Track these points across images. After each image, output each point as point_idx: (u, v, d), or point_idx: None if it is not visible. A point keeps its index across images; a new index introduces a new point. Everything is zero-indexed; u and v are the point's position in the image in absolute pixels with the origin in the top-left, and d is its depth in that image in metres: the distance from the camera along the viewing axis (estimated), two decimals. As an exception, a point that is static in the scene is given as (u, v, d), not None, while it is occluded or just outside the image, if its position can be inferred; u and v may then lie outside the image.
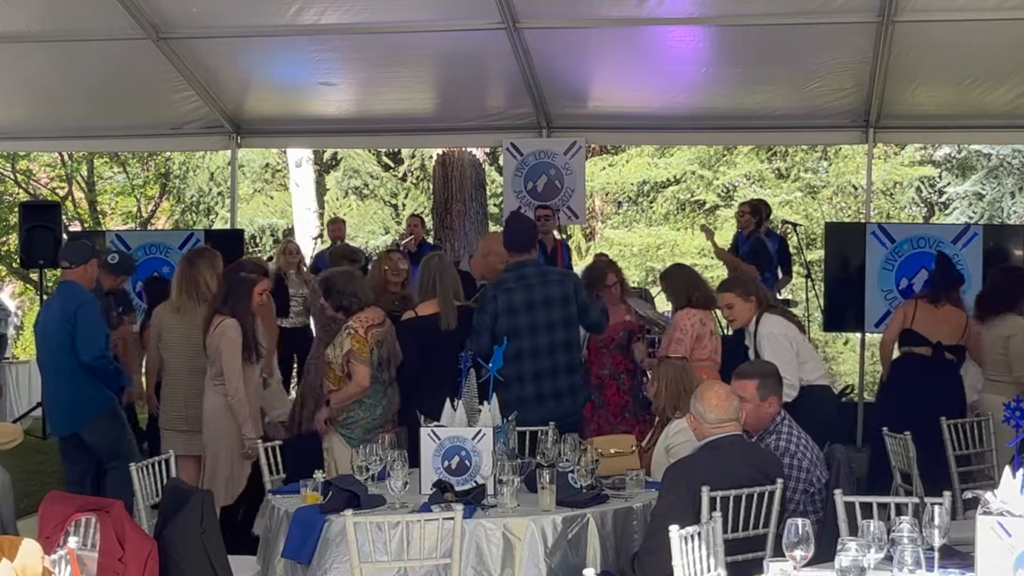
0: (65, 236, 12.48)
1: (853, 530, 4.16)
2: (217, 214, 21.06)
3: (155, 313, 7.14)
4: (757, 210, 10.76)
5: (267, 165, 21.76)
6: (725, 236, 13.90)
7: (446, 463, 5.06)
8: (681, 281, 7.61)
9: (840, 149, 18.66)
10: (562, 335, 6.44)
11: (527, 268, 6.51)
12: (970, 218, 18.42)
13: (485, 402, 5.26)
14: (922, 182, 20.04)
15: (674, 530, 3.77)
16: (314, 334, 8.32)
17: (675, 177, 20.22)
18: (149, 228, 21.13)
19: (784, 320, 6.66)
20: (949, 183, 19.93)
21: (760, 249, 10.30)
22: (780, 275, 10.80)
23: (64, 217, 15.38)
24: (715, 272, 17.55)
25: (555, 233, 10.61)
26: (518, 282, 6.41)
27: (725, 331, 9.14)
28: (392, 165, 21.86)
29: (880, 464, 6.68)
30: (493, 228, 16.19)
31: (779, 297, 11.17)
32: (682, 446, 5.53)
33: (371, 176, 21.35)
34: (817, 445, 5.22)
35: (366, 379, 6.32)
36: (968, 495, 5.55)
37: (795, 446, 5.06)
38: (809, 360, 6.67)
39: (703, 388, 4.93)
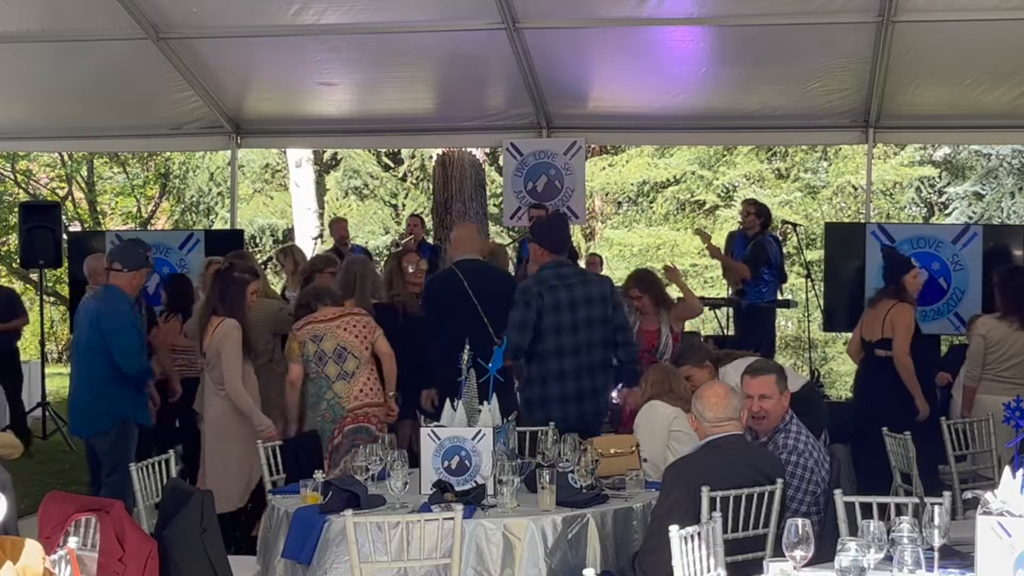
0: (65, 236, 12.49)
1: (853, 530, 4.16)
2: (217, 214, 21.07)
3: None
4: (763, 212, 10.74)
5: (267, 165, 21.77)
6: (720, 236, 13.88)
7: (446, 463, 5.06)
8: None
9: (840, 149, 18.66)
10: (600, 333, 6.58)
11: (565, 268, 6.68)
12: (970, 218, 18.42)
13: (485, 402, 5.26)
14: (922, 182, 20.04)
15: (674, 530, 3.77)
16: None
17: (675, 177, 20.22)
18: (149, 228, 21.13)
19: (742, 363, 6.67)
20: (949, 183, 19.93)
21: (759, 254, 10.30)
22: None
23: (64, 217, 15.39)
24: (714, 272, 17.57)
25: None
26: (560, 280, 6.54)
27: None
28: (392, 165, 21.87)
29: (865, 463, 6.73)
30: (493, 228, 16.22)
31: (775, 298, 11.17)
32: (647, 419, 5.79)
33: (371, 176, 21.36)
34: (822, 445, 5.23)
35: (292, 374, 6.58)
36: (968, 495, 5.55)
37: (803, 445, 5.06)
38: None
39: (703, 387, 4.94)
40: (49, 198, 19.81)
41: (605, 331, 6.59)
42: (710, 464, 4.60)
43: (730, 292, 11.00)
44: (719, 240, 11.71)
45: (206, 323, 6.58)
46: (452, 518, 4.36)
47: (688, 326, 9.38)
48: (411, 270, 8.18)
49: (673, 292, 8.69)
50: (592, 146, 17.01)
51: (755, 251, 10.32)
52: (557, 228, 6.93)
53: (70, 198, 21.36)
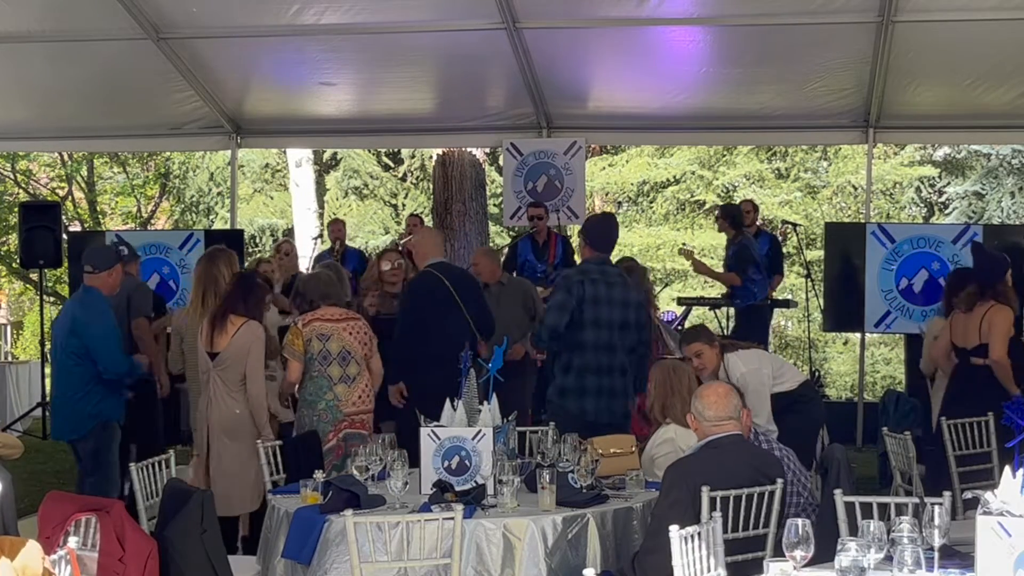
0: (65, 236, 12.49)
1: (853, 530, 4.16)
2: (217, 214, 21.05)
3: (175, 316, 7.13)
4: (728, 213, 10.73)
5: (267, 165, 21.75)
6: (721, 238, 13.88)
7: (446, 463, 5.06)
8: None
9: (840, 149, 18.67)
10: (633, 337, 6.63)
11: (609, 267, 6.71)
12: (969, 218, 18.42)
13: (485, 402, 5.26)
14: (922, 182, 20.03)
15: (674, 530, 3.77)
16: None
17: (675, 177, 20.21)
18: (149, 228, 21.12)
19: (746, 352, 6.68)
20: (949, 183, 19.93)
21: (744, 253, 10.30)
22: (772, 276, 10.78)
23: (64, 217, 15.37)
24: (715, 272, 17.54)
25: (553, 229, 10.62)
26: (602, 276, 6.58)
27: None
28: (392, 165, 21.86)
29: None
30: (493, 228, 16.22)
31: (775, 298, 11.18)
32: (666, 457, 5.53)
33: (371, 176, 21.34)
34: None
35: (293, 373, 6.54)
36: (968, 495, 5.55)
37: (779, 454, 5.09)
38: (784, 371, 6.74)
39: (703, 387, 4.94)
40: (49, 198, 19.77)
41: (634, 338, 6.63)
42: (710, 464, 4.60)
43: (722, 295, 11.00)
44: (720, 240, 11.73)
45: (223, 322, 6.50)
46: (452, 518, 4.36)
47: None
48: (385, 267, 8.22)
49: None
50: (592, 146, 17.01)
51: (738, 254, 10.32)
52: (605, 228, 6.93)
53: (70, 198, 21.33)
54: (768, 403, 6.38)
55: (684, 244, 14.35)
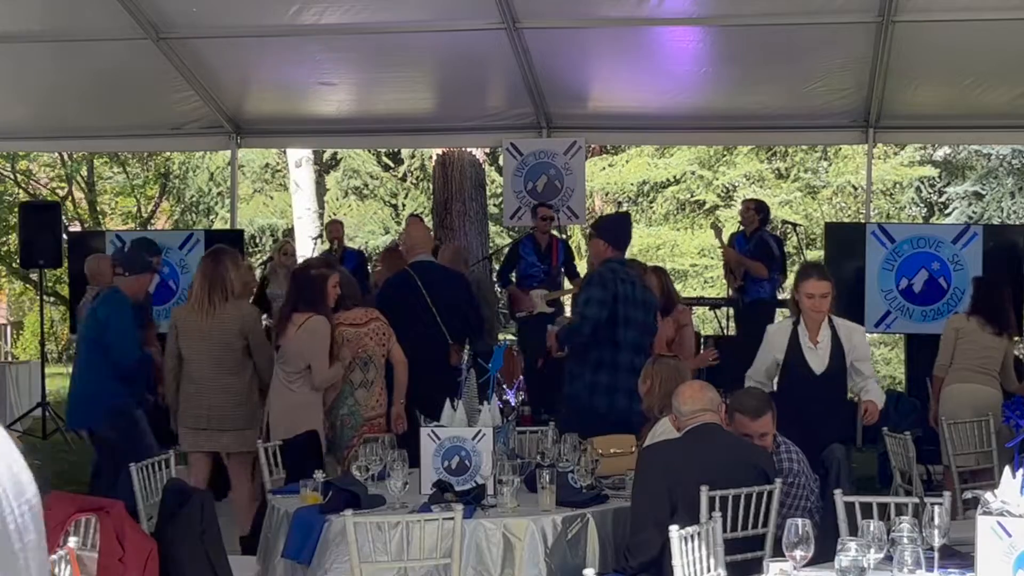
0: (65, 236, 12.50)
1: (853, 530, 4.16)
2: (217, 214, 21.06)
3: (173, 313, 7.13)
4: (763, 208, 10.73)
5: (267, 165, 21.76)
6: (725, 236, 13.87)
7: (446, 463, 5.06)
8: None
9: (840, 149, 18.66)
10: (647, 340, 6.65)
11: (629, 268, 6.77)
12: (969, 218, 18.42)
13: (485, 402, 5.26)
14: (922, 182, 20.04)
15: (674, 530, 3.77)
16: None
17: (675, 177, 20.22)
18: (149, 228, 21.12)
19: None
20: (948, 183, 19.93)
21: (764, 248, 10.29)
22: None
23: (64, 217, 15.37)
24: (714, 272, 17.56)
25: (554, 232, 10.63)
26: (627, 276, 6.62)
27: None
28: (392, 165, 21.86)
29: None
30: (493, 228, 16.23)
31: (778, 297, 11.16)
32: None
33: (371, 176, 21.35)
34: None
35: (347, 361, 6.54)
36: (968, 495, 5.56)
37: (797, 464, 5.11)
38: None
39: (680, 385, 5.00)
40: (49, 198, 19.78)
41: (648, 340, 6.64)
42: (684, 448, 4.64)
43: (730, 292, 10.98)
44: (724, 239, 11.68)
45: (287, 321, 6.55)
46: (452, 518, 4.36)
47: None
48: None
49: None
50: (592, 146, 17.00)
51: (759, 248, 10.30)
52: (622, 226, 6.99)
53: (70, 198, 21.34)
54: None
55: (717, 220, 14.28)
